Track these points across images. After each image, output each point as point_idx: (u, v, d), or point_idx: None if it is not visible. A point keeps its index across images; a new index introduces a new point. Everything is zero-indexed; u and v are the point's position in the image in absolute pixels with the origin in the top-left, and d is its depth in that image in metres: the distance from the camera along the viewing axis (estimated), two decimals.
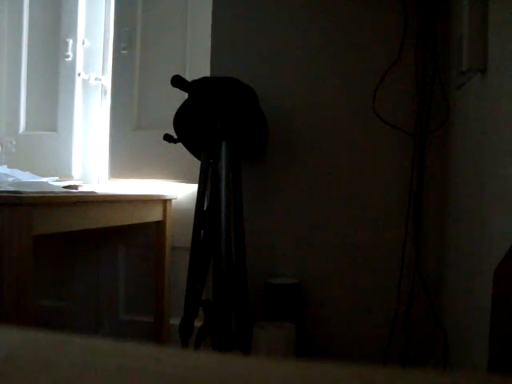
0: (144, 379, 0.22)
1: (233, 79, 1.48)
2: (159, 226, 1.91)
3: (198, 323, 1.46)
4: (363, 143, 1.64)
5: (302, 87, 1.69)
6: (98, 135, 2.18)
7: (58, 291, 2.15)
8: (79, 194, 1.37)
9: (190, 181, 1.95)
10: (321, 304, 1.67)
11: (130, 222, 1.65)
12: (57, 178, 1.80)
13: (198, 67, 1.93)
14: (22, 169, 1.73)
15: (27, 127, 2.28)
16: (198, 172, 1.47)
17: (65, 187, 1.61)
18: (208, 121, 1.48)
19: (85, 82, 2.18)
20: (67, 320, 2.12)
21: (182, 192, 2.00)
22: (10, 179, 1.44)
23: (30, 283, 1.09)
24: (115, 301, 2.08)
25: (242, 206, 1.48)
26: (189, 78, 1.55)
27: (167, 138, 1.52)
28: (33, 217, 1.09)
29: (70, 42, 2.17)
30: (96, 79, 2.17)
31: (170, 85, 1.29)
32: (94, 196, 1.39)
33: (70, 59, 2.17)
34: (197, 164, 1.51)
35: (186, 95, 1.61)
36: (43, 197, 1.14)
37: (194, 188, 1.87)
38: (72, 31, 2.17)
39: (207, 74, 1.78)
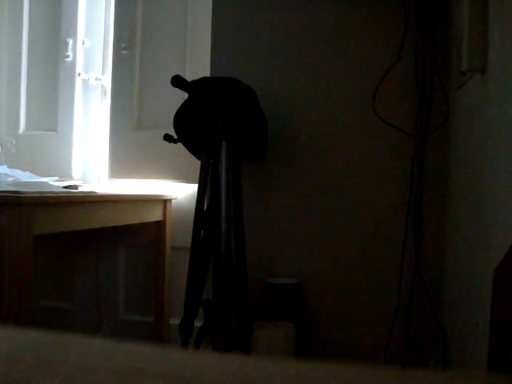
0: (144, 379, 0.22)
1: (233, 79, 1.48)
2: (159, 225, 1.91)
3: (198, 323, 1.46)
4: (363, 143, 1.64)
5: (301, 87, 1.69)
6: (98, 135, 2.18)
7: (58, 291, 2.15)
8: (79, 194, 1.37)
9: (190, 181, 1.95)
10: (321, 304, 1.67)
11: (129, 222, 1.65)
12: (57, 178, 1.80)
13: (198, 67, 1.93)
14: (22, 169, 1.73)
15: (27, 127, 2.28)
16: (198, 172, 1.47)
17: (65, 187, 1.61)
18: (208, 121, 1.48)
19: (85, 82, 2.18)
20: (67, 320, 2.12)
21: (182, 192, 2.00)
22: (10, 179, 1.44)
23: (30, 283, 1.09)
24: (115, 301, 2.08)
25: (242, 206, 1.48)
26: (189, 78, 1.55)
27: (167, 138, 1.52)
28: (33, 217, 1.09)
29: (70, 41, 2.17)
30: (96, 79, 2.17)
31: (170, 85, 1.29)
32: (93, 196, 1.39)
33: (69, 59, 2.17)
34: (197, 164, 1.51)
35: (185, 95, 1.61)
36: (43, 197, 1.14)
37: (194, 188, 1.87)
38: (72, 31, 2.17)
39: (207, 74, 1.78)
